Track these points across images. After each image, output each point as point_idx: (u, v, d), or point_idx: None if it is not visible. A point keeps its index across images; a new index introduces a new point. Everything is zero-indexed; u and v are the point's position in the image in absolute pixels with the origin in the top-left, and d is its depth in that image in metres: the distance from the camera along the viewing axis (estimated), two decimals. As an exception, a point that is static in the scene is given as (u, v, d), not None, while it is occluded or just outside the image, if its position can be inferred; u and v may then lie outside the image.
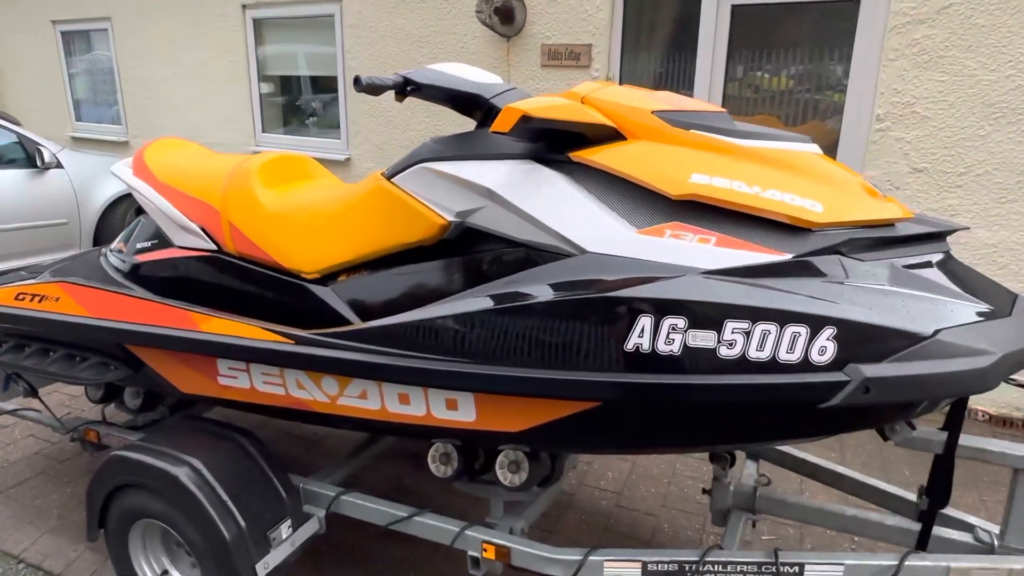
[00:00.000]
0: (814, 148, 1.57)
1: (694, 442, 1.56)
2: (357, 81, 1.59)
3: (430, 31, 4.69)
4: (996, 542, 1.65)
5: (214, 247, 1.98)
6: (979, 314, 1.33)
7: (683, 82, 3.99)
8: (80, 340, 2.25)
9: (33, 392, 2.71)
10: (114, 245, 2.33)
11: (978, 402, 3.48)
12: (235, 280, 1.94)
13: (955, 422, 1.61)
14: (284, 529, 1.92)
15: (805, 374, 1.30)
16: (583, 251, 1.46)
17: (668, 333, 1.35)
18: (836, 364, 1.29)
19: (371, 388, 1.77)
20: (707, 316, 1.33)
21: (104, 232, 5.43)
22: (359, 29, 4.99)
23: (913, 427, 1.66)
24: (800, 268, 1.36)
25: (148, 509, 1.95)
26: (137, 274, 2.14)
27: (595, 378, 1.41)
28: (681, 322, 1.34)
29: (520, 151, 1.57)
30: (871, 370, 1.26)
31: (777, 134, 1.57)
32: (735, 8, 3.72)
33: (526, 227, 1.52)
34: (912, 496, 1.87)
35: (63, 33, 6.99)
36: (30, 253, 4.99)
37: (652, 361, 1.37)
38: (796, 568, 1.57)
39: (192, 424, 2.12)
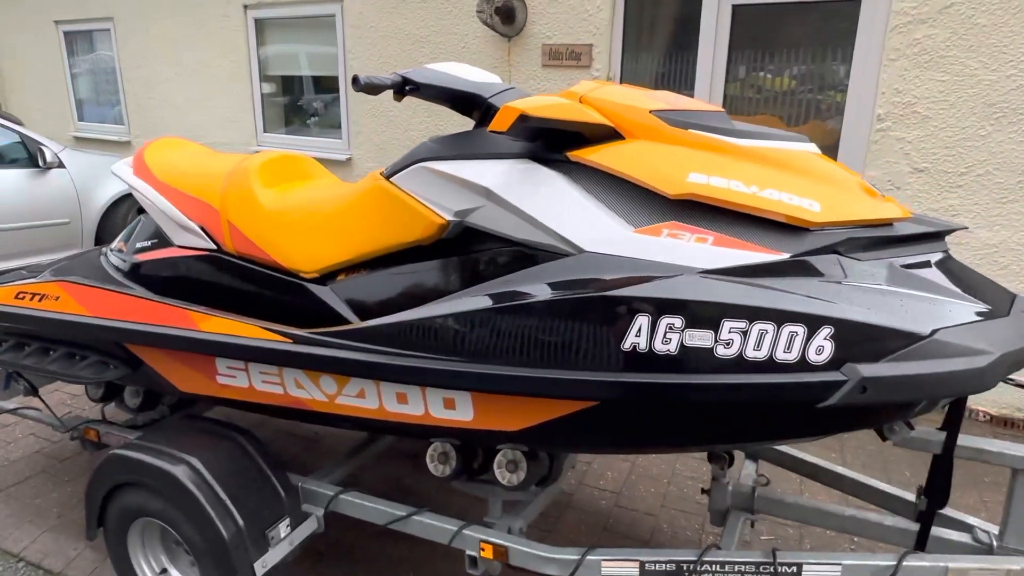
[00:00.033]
0: (812, 147, 1.57)
1: (691, 442, 1.56)
2: (355, 80, 1.59)
3: (431, 31, 4.69)
4: (995, 542, 1.65)
5: (214, 246, 1.99)
6: (977, 314, 1.33)
7: (684, 82, 3.98)
8: (79, 339, 2.25)
9: (34, 391, 2.72)
10: (114, 244, 2.34)
11: (979, 403, 3.48)
12: (234, 279, 1.94)
13: (954, 422, 1.61)
14: (282, 528, 1.93)
15: (802, 374, 1.30)
16: (580, 250, 1.46)
17: (665, 332, 1.35)
18: (833, 364, 1.29)
19: (369, 387, 1.77)
20: (704, 316, 1.33)
21: (106, 232, 5.44)
22: (360, 29, 4.99)
23: (912, 427, 1.65)
24: (797, 268, 1.36)
25: (146, 508, 1.95)
26: (137, 273, 2.14)
27: (592, 377, 1.41)
28: (678, 321, 1.34)
29: (518, 150, 1.57)
30: (868, 370, 1.26)
31: (775, 133, 1.57)
32: (736, 8, 3.72)
33: (524, 226, 1.52)
34: (911, 496, 1.87)
35: (66, 33, 7.01)
36: (32, 253, 5.00)
37: (649, 360, 1.37)
38: (794, 568, 1.57)
39: (191, 423, 2.13)
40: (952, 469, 1.66)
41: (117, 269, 2.22)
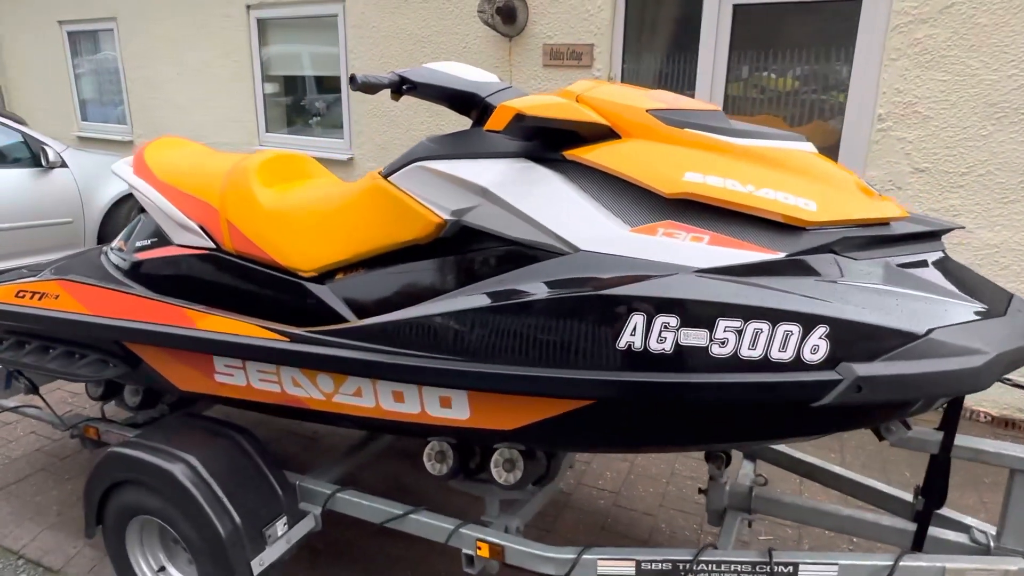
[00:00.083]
0: (809, 147, 1.57)
1: (687, 441, 1.55)
2: (353, 79, 1.60)
3: (432, 31, 4.70)
4: (992, 543, 1.64)
5: (213, 245, 1.99)
6: (973, 313, 1.33)
7: (685, 82, 3.98)
8: (79, 337, 2.26)
9: (34, 389, 2.73)
10: (115, 243, 2.34)
11: (980, 403, 3.47)
12: (233, 278, 1.94)
13: (951, 422, 1.60)
14: (280, 526, 1.93)
15: (797, 373, 1.30)
16: (577, 249, 1.46)
17: (660, 331, 1.35)
18: (828, 363, 1.29)
19: (366, 386, 1.77)
20: (699, 314, 1.33)
21: (108, 231, 5.46)
22: (362, 29, 5.00)
23: (908, 427, 1.65)
24: (793, 267, 1.35)
25: (145, 506, 1.96)
26: (136, 272, 2.15)
27: (588, 376, 1.41)
28: (673, 320, 1.34)
29: (515, 150, 1.58)
30: (863, 369, 1.26)
31: (772, 133, 1.57)
32: (736, 8, 3.72)
33: (520, 225, 1.52)
34: (908, 496, 1.86)
35: (69, 33, 7.03)
36: (34, 252, 5.02)
37: (644, 359, 1.37)
38: (790, 568, 1.57)
39: (189, 421, 2.13)
40: (949, 469, 1.66)
41: (117, 268, 2.23)
